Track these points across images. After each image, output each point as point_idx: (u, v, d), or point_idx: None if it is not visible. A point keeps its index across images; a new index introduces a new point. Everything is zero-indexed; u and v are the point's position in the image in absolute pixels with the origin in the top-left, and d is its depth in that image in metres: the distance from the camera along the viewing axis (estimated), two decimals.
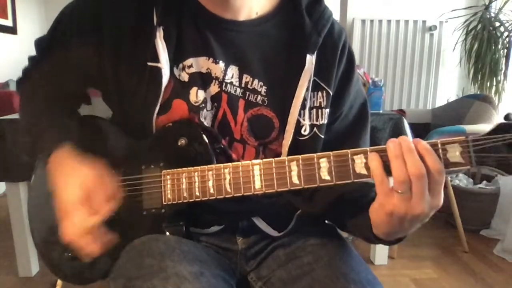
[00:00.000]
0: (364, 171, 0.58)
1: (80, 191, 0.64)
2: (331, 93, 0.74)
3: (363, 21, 3.01)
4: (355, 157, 0.58)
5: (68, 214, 0.64)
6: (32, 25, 3.86)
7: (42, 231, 0.81)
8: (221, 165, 0.65)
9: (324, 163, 0.60)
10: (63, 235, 0.64)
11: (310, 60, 0.71)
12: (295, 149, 0.72)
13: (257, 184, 0.63)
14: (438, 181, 0.53)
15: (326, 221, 0.84)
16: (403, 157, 0.53)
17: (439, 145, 0.54)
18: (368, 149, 0.57)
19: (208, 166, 0.66)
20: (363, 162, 0.58)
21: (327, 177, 0.60)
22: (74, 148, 0.70)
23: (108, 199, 0.65)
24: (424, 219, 0.56)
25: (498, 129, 0.53)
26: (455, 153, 0.54)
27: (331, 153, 0.59)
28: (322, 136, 0.74)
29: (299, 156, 0.61)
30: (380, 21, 3.00)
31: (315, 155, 0.60)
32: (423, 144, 0.54)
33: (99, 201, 0.64)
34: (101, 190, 0.65)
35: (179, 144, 0.71)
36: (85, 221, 0.63)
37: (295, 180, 0.61)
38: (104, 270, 0.73)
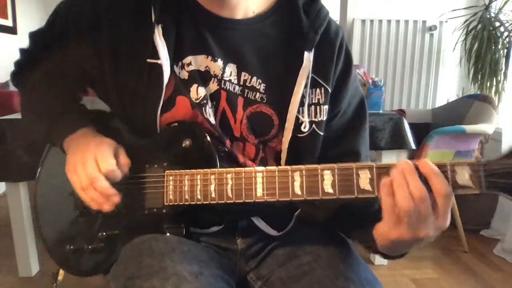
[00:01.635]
0: (368, 187, 0.56)
1: (110, 145, 0.71)
2: (329, 90, 0.74)
3: (363, 21, 3.01)
4: (360, 171, 0.57)
5: (98, 151, 0.68)
6: (32, 25, 3.86)
7: (51, 225, 0.81)
8: (224, 169, 0.65)
9: (328, 175, 0.59)
10: (85, 171, 0.67)
11: (308, 57, 0.71)
12: (294, 146, 0.73)
13: (259, 192, 0.63)
14: (445, 204, 0.52)
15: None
16: (407, 182, 0.52)
17: (448, 167, 0.53)
18: (374, 164, 0.56)
19: (211, 170, 0.66)
20: (367, 177, 0.56)
21: (330, 190, 0.59)
22: (90, 130, 0.75)
23: (125, 156, 0.71)
24: (429, 240, 0.56)
25: None
26: (464, 176, 0.52)
27: (335, 165, 0.59)
28: (321, 133, 0.74)
29: (303, 167, 0.60)
30: (380, 21, 3.00)
31: (319, 166, 0.59)
32: (430, 165, 0.53)
33: (122, 158, 0.70)
34: (122, 152, 0.71)
35: (183, 145, 0.71)
36: (108, 163, 0.67)
37: (298, 191, 0.60)
38: (106, 264, 0.74)
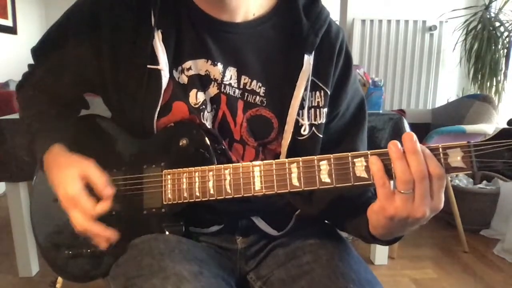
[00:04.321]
0: (364, 174, 0.57)
1: (80, 181, 0.66)
2: (329, 93, 0.74)
3: (363, 21, 3.01)
4: (355, 160, 0.58)
5: (75, 205, 0.66)
6: (32, 25, 3.86)
7: (45, 231, 0.81)
8: (222, 166, 0.66)
9: (324, 165, 0.59)
10: (75, 226, 0.66)
11: (308, 60, 0.71)
12: (294, 149, 0.73)
13: (257, 186, 0.63)
14: (439, 185, 0.53)
15: (326, 221, 0.84)
16: (406, 158, 0.53)
17: (440, 150, 0.54)
18: (368, 152, 0.57)
19: (209, 166, 0.67)
20: (363, 165, 0.57)
21: (327, 180, 0.59)
22: (63, 147, 0.72)
23: (106, 184, 0.67)
24: (423, 222, 0.56)
25: (501, 135, 0.52)
26: (456, 158, 0.53)
27: (331, 155, 0.59)
28: (321, 136, 0.74)
29: (300, 158, 0.61)
30: (380, 21, 3.00)
31: (315, 157, 0.60)
32: (424, 149, 0.53)
33: (100, 187, 0.66)
34: (98, 177, 0.67)
35: (180, 144, 0.71)
36: (94, 208, 0.65)
37: (295, 182, 0.61)
38: (105, 268, 0.73)
